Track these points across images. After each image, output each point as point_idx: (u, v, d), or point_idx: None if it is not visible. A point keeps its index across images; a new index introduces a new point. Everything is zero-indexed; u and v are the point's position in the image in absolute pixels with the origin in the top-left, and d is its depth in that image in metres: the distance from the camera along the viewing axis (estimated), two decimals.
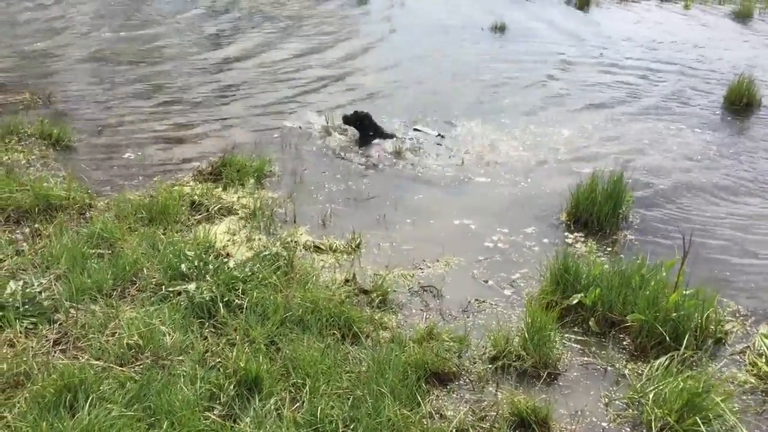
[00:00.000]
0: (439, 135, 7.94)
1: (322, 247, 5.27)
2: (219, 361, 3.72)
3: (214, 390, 3.50)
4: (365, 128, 7.74)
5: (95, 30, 12.17)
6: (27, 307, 4.01)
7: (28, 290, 4.15)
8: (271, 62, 10.81)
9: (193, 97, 8.95)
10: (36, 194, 5.36)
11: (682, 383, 3.69)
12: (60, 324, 3.95)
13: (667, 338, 4.17)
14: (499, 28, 13.61)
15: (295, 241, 5.22)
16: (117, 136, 7.50)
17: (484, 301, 4.74)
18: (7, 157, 6.40)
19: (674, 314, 4.25)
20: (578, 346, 4.30)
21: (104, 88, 9.05)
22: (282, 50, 11.57)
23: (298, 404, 3.50)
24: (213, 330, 4.02)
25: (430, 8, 15.57)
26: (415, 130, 8.06)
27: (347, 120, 7.78)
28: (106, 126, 7.75)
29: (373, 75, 10.49)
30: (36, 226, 5.06)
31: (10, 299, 4.02)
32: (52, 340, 3.82)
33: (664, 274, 4.61)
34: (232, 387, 3.52)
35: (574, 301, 4.53)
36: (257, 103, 8.89)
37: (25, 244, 4.81)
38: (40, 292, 4.17)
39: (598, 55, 12.21)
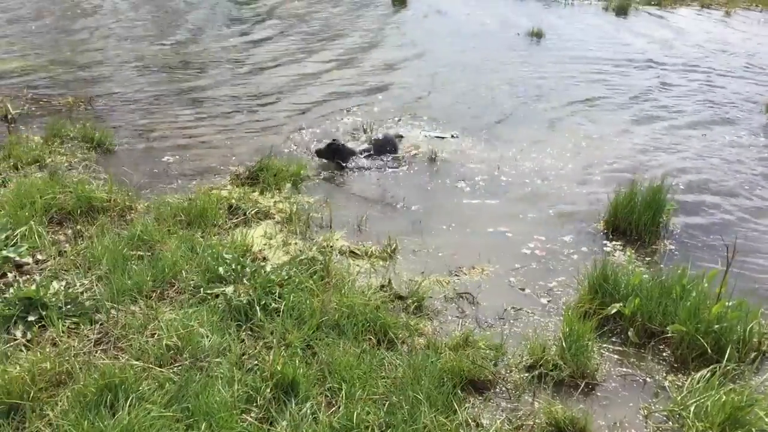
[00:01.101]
0: (452, 136, 7.96)
1: (358, 252, 5.28)
2: (256, 364, 3.75)
3: (251, 393, 3.53)
4: (341, 157, 7.18)
5: (138, 38, 12.43)
6: (69, 306, 4.10)
7: (70, 290, 4.24)
8: (307, 68, 10.90)
9: (231, 102, 9.06)
10: (78, 196, 5.47)
11: (724, 396, 3.61)
12: (101, 324, 4.02)
13: (709, 350, 4.08)
14: (536, 34, 13.51)
15: (331, 246, 5.24)
16: (156, 140, 7.63)
17: (520, 309, 4.70)
18: (50, 160, 6.55)
19: (716, 326, 4.16)
20: (617, 357, 4.23)
21: (144, 94, 9.21)
22: (319, 57, 11.66)
23: (334, 409, 3.51)
24: (250, 333, 4.05)
25: (465, 14, 15.55)
26: (425, 135, 8.04)
27: (320, 153, 7.20)
28: (145, 130, 7.89)
29: (406, 80, 10.51)
30: (78, 227, 5.16)
31: (53, 299, 4.10)
32: (93, 340, 3.89)
33: (706, 284, 4.51)
34: (268, 390, 3.54)
35: (613, 311, 4.46)
36: (294, 108, 8.96)
37: (67, 245, 4.91)
38: (82, 293, 4.25)
39: (637, 60, 12.05)
